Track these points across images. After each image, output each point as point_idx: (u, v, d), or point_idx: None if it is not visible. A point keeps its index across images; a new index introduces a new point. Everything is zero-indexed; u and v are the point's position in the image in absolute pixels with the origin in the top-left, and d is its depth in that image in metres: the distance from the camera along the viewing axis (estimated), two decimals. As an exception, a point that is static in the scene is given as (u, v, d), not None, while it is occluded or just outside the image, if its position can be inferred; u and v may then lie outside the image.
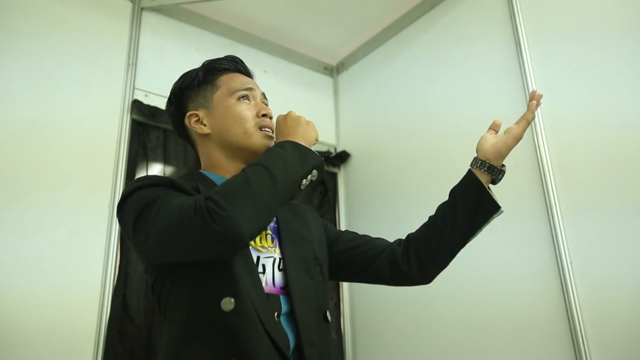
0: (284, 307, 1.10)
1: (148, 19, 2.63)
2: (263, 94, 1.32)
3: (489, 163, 1.25)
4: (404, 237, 1.36)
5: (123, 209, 1.09)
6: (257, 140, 1.22)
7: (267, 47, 3.02)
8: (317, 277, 1.19)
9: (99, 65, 2.39)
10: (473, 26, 2.45)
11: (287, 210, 1.27)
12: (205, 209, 0.94)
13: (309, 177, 1.07)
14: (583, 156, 1.90)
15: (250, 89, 1.28)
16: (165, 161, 2.47)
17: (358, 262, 1.33)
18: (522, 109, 2.09)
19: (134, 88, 2.46)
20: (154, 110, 2.45)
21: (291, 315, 1.09)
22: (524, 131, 1.26)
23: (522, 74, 2.15)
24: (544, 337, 1.88)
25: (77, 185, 2.16)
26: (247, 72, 1.34)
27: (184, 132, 1.31)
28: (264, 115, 1.24)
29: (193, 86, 1.30)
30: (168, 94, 2.53)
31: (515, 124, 1.27)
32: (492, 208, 1.24)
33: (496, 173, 1.25)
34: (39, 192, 2.06)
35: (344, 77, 3.18)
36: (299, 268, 1.16)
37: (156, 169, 2.44)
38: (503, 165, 1.27)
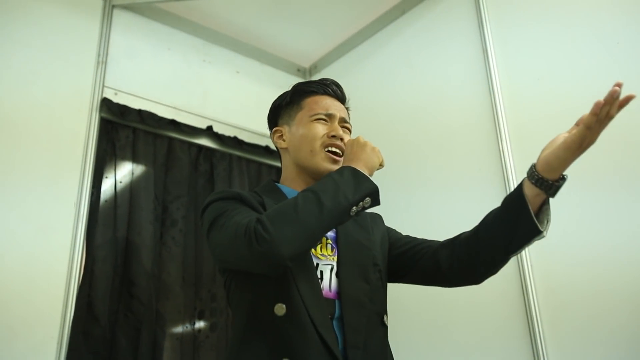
0: (337, 311, 1.18)
1: (119, 16, 2.61)
2: (344, 118, 1.37)
3: (538, 175, 1.08)
4: None
5: (203, 217, 1.23)
6: (320, 161, 1.30)
7: (240, 48, 3.02)
8: (376, 282, 1.26)
9: (67, 62, 2.36)
10: (442, 33, 2.50)
11: (350, 220, 1.30)
12: (253, 230, 1.05)
13: (361, 204, 1.13)
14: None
15: (330, 114, 1.34)
16: (134, 160, 2.46)
17: (408, 263, 1.34)
18: (488, 115, 2.17)
19: (103, 86, 2.44)
20: (123, 108, 2.44)
21: (341, 318, 1.17)
22: (580, 139, 1.03)
23: (488, 81, 2.20)
24: None
25: (43, 183, 2.13)
26: (337, 95, 1.40)
27: (275, 146, 1.43)
28: (333, 136, 1.31)
29: (282, 105, 1.41)
30: (138, 93, 2.55)
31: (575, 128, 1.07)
32: (531, 230, 1.10)
33: (545, 188, 1.07)
34: (4, 188, 2.03)
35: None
36: (354, 274, 1.23)
37: (125, 168, 2.42)
38: (559, 179, 1.07)
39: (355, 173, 1.15)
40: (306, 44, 3.09)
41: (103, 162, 2.37)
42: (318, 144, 1.31)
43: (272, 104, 1.45)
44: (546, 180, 1.07)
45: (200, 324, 2.39)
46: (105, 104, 2.40)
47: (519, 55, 2.15)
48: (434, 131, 2.40)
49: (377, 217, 1.46)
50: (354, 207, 1.12)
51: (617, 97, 0.99)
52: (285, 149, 1.38)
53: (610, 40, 1.85)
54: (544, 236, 1.11)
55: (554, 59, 2.01)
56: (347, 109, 1.43)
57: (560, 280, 1.83)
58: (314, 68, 3.22)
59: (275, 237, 1.04)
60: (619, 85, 0.99)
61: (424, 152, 2.42)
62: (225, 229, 1.13)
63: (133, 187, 2.40)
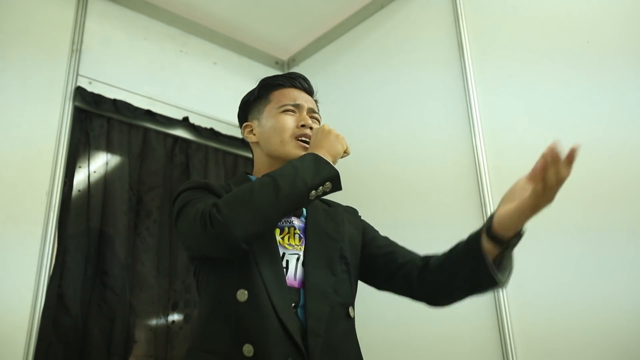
0: (302, 300, 1.19)
1: (94, 4, 2.57)
2: (312, 108, 1.38)
3: (492, 232, 1.10)
4: None
5: (173, 207, 1.27)
6: (291, 149, 1.31)
7: (217, 39, 3.00)
8: (342, 274, 1.27)
9: (40, 50, 2.32)
10: (419, 27, 2.51)
11: (321, 211, 1.35)
12: (208, 213, 1.09)
13: (321, 188, 1.15)
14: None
15: (297, 105, 1.36)
16: (109, 150, 2.43)
17: (382, 271, 1.35)
18: (461, 110, 2.19)
19: (77, 75, 2.40)
20: (97, 98, 2.41)
21: (304, 307, 1.18)
22: (533, 206, 1.03)
23: (463, 76, 2.22)
24: None
25: (14, 172, 2.10)
26: (304, 88, 1.41)
27: (247, 141, 1.44)
28: (302, 126, 1.32)
29: (251, 101, 1.43)
30: (113, 82, 2.51)
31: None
32: (489, 281, 1.12)
33: (501, 245, 1.10)
34: (-28, 178, 2.00)
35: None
36: (320, 264, 1.24)
37: (99, 158, 2.39)
38: (515, 236, 1.09)
39: (317, 158, 1.18)
40: (284, 37, 3.08)
41: (76, 151, 2.34)
42: (287, 134, 1.32)
43: (241, 100, 1.46)
44: (501, 238, 1.09)
45: (174, 315, 2.38)
46: (79, 93, 2.36)
47: (494, 50, 2.17)
48: (410, 125, 2.42)
49: (352, 210, 1.47)
50: (313, 192, 1.14)
51: (557, 156, 0.96)
52: (256, 142, 1.39)
53: (580, 40, 1.89)
54: (503, 286, 1.13)
55: (527, 56, 2.04)
56: (315, 101, 1.44)
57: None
58: (292, 61, 3.22)
59: (228, 219, 1.08)
60: (555, 146, 0.95)
61: (399, 146, 2.44)
62: (187, 217, 1.17)
63: (107, 178, 2.37)
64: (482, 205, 2.03)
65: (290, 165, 1.17)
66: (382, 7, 2.73)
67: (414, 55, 2.50)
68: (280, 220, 1.22)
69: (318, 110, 1.43)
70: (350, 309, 1.26)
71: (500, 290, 1.86)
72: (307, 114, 1.36)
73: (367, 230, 1.43)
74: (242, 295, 1.15)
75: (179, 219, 1.21)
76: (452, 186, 2.17)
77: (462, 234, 2.00)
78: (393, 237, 2.24)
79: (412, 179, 2.34)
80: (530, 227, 1.82)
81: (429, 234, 2.18)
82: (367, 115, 2.64)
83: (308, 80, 1.44)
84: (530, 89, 2.00)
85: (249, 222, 1.09)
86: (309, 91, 1.43)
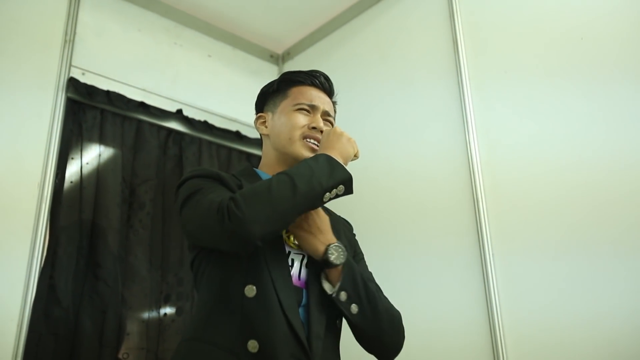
0: (304, 300, 1.21)
1: (88, -6, 2.56)
2: (327, 111, 1.38)
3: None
4: None
5: (178, 193, 1.25)
6: (297, 149, 1.31)
7: (212, 31, 2.99)
8: None
9: (33, 40, 2.30)
10: (414, 23, 2.51)
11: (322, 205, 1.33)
12: (226, 207, 1.07)
13: (334, 191, 1.15)
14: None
15: (313, 105, 1.36)
16: (102, 142, 2.41)
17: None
18: (456, 106, 2.19)
19: (70, 65, 2.38)
20: (91, 89, 2.39)
21: (307, 308, 1.20)
22: None
23: (457, 71, 2.22)
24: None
25: (6, 164, 2.08)
26: (324, 88, 1.41)
27: (258, 132, 1.45)
28: (313, 127, 1.32)
29: (269, 92, 1.43)
30: (107, 74, 2.49)
31: None
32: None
33: (322, 264, 1.21)
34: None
35: (289, 65, 3.19)
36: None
37: (91, 150, 2.38)
38: (324, 253, 1.19)
39: (330, 160, 1.17)
40: (279, 30, 3.07)
41: (69, 143, 2.33)
42: (297, 133, 1.32)
43: (260, 90, 1.46)
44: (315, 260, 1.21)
45: (166, 308, 2.38)
46: (72, 84, 2.35)
47: (488, 46, 2.18)
48: (403, 120, 2.42)
49: (348, 225, 1.48)
50: (327, 194, 1.14)
51: None
52: (267, 135, 1.40)
53: (575, 36, 1.89)
54: (338, 299, 1.19)
55: (522, 52, 2.04)
56: (334, 103, 1.44)
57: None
58: (287, 55, 3.21)
59: (247, 215, 1.06)
60: None
61: (392, 141, 2.44)
62: (198, 206, 1.15)
63: (100, 170, 2.36)
64: (475, 201, 2.03)
65: (306, 164, 1.16)
66: (377, 1, 2.72)
67: (409, 50, 2.50)
68: (294, 220, 1.22)
69: (335, 112, 1.43)
70: (338, 321, 1.28)
71: (495, 303, 1.89)
72: (321, 116, 1.36)
73: (356, 252, 1.43)
74: (251, 290, 1.15)
75: (186, 206, 1.19)
76: (444, 182, 2.18)
77: (455, 232, 2.05)
78: (387, 237, 2.24)
79: (404, 174, 2.34)
80: (523, 241, 1.85)
81: (421, 232, 2.19)
82: (360, 110, 2.63)
83: (330, 80, 1.43)
84: (524, 84, 2.00)
85: (267, 220, 1.08)
86: (329, 91, 1.43)
